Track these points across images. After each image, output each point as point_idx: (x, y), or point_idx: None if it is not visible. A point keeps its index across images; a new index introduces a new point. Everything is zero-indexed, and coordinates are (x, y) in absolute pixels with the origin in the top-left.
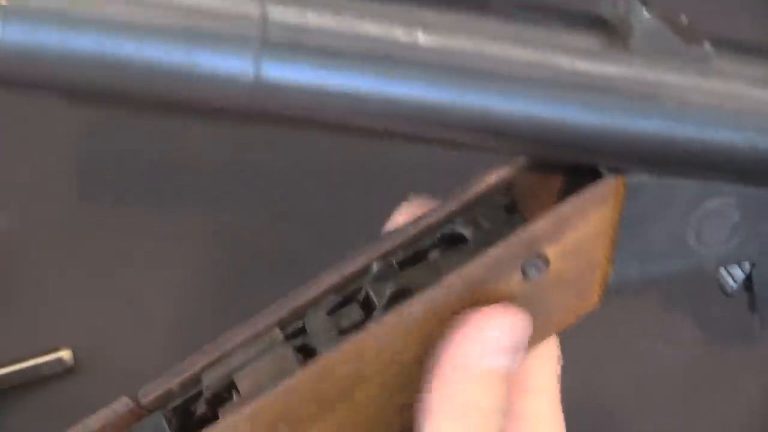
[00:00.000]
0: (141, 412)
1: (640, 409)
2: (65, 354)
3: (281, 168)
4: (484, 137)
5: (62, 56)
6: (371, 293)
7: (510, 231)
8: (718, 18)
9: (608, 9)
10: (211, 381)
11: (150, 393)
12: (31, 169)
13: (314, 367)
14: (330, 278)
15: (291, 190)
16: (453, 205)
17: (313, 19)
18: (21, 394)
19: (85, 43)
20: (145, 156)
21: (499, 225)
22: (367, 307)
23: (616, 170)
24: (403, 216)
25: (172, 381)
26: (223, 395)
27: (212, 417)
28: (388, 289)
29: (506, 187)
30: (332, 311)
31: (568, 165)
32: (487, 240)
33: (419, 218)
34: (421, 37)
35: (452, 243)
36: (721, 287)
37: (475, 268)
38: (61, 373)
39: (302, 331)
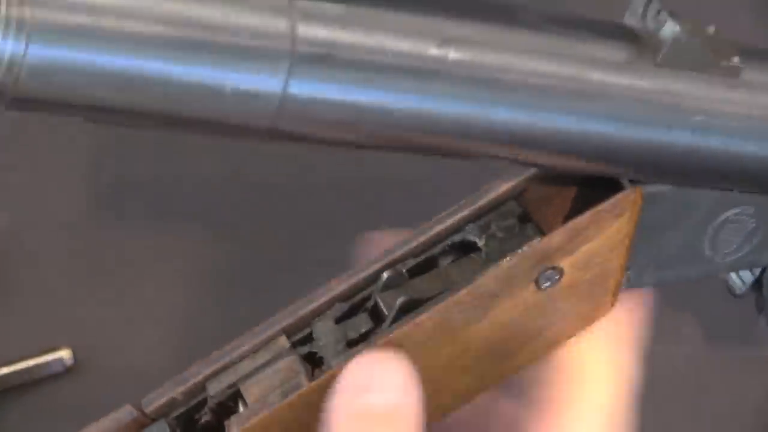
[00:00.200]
0: (144, 421)
1: (641, 408)
2: (65, 353)
3: (283, 172)
4: (513, 150)
5: (88, 75)
6: (380, 303)
7: (523, 241)
8: (718, 18)
9: (636, 21)
10: (216, 390)
11: (153, 401)
12: (32, 169)
13: (323, 381)
14: (338, 286)
15: (292, 193)
16: (464, 213)
17: (341, 35)
18: (21, 393)
19: (112, 61)
20: (146, 156)
21: (513, 234)
22: (376, 317)
23: (635, 181)
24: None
25: (175, 389)
26: (229, 404)
27: (216, 426)
28: (398, 300)
29: (518, 195)
30: (340, 320)
31: (585, 175)
32: (500, 249)
33: (429, 225)
34: (452, 52)
35: (463, 251)
36: (729, 289)
37: (487, 279)
38: (61, 372)
39: (309, 338)
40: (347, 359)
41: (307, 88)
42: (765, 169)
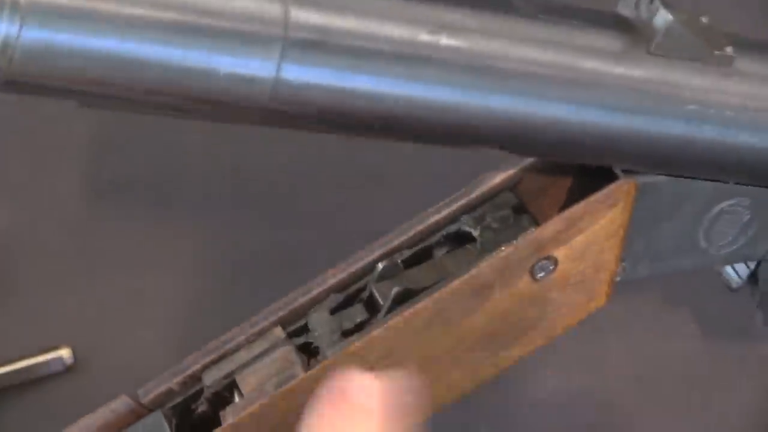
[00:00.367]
0: (141, 411)
1: (640, 406)
2: (65, 352)
3: (279, 168)
4: (504, 138)
5: (81, 56)
6: (375, 293)
7: (518, 232)
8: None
9: (629, 10)
10: (212, 380)
11: (150, 392)
12: (32, 168)
13: (318, 371)
14: (333, 277)
15: (290, 190)
16: (459, 203)
17: (334, 20)
18: (21, 392)
19: (106, 43)
20: (146, 155)
21: (508, 225)
22: (371, 307)
23: (630, 172)
24: None
25: (172, 380)
26: (224, 394)
27: (212, 416)
28: (393, 290)
29: (513, 186)
30: (335, 310)
31: (579, 166)
32: (495, 240)
33: (425, 216)
34: (444, 39)
35: (458, 241)
36: (726, 283)
37: (483, 269)
38: (61, 371)
39: (304, 329)
40: (342, 349)
41: (299, 72)
42: (759, 159)
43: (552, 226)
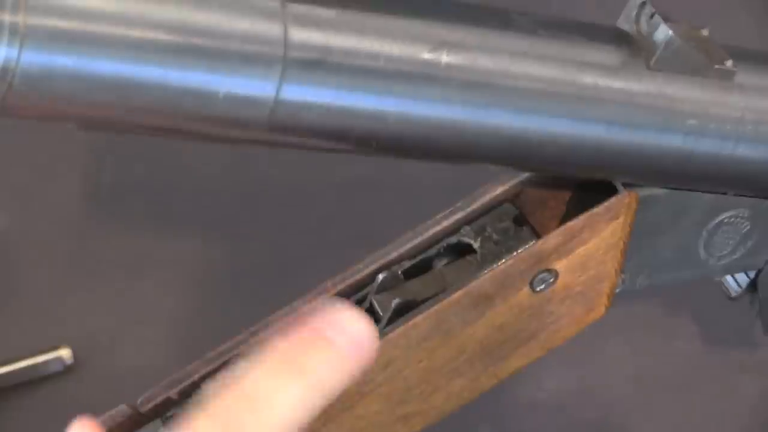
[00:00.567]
0: (140, 420)
1: (640, 406)
2: (65, 352)
3: (282, 174)
4: (506, 155)
5: (81, 80)
6: (376, 304)
7: (519, 244)
8: (718, 18)
9: (630, 25)
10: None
11: (149, 401)
12: (32, 169)
13: None
14: (333, 287)
15: (291, 195)
16: (460, 215)
17: (334, 40)
18: (21, 392)
19: (105, 66)
20: (146, 157)
21: (508, 237)
22: (371, 318)
23: (630, 184)
24: None
25: (171, 389)
26: None
27: None
28: (393, 302)
29: (514, 197)
30: None
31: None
32: (495, 252)
33: (425, 227)
34: (445, 56)
35: (459, 253)
36: (725, 291)
37: (483, 281)
38: (61, 371)
39: None
40: None
41: (299, 92)
42: (759, 172)
43: (553, 238)
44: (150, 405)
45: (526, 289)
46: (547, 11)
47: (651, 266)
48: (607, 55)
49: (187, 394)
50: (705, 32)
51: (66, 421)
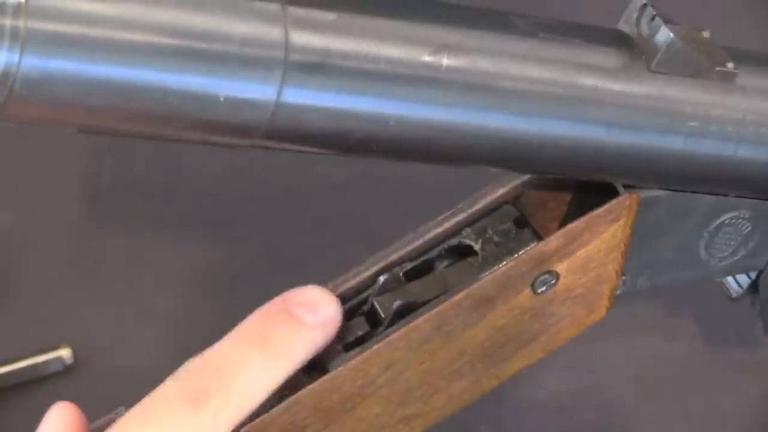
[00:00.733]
0: None
1: (640, 406)
2: (65, 352)
3: (283, 173)
4: (506, 157)
5: (84, 84)
6: (377, 306)
7: (520, 245)
8: (718, 18)
9: (630, 27)
10: None
11: None
12: (32, 169)
13: (320, 384)
14: (335, 289)
15: (292, 194)
16: (461, 217)
17: (335, 43)
18: (21, 392)
19: (106, 71)
20: (146, 157)
21: (509, 239)
22: (373, 320)
23: (631, 186)
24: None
25: None
26: None
27: None
28: (395, 304)
29: (515, 199)
30: None
31: (580, 180)
32: (496, 254)
33: (426, 229)
34: (446, 59)
35: (460, 255)
36: (726, 292)
37: (484, 284)
38: (61, 371)
39: None
40: (343, 363)
41: (300, 96)
42: (760, 173)
43: (554, 240)
44: None
45: (527, 291)
46: (548, 12)
47: (652, 267)
48: (608, 57)
49: None
50: (706, 34)
51: None
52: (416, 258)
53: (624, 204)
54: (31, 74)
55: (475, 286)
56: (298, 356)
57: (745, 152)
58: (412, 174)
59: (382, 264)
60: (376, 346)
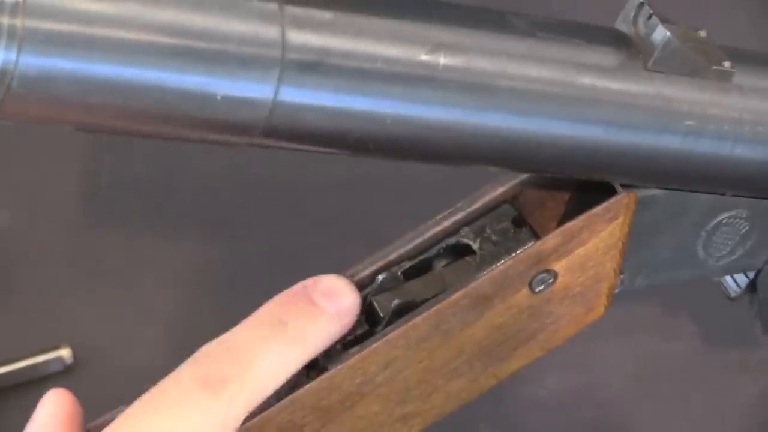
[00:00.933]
0: None
1: (639, 406)
2: (65, 352)
3: (282, 172)
4: (504, 156)
5: (81, 82)
6: (376, 305)
7: (518, 244)
8: (718, 18)
9: (627, 26)
10: None
11: None
12: (32, 169)
13: (319, 383)
14: None
15: (291, 194)
16: (459, 216)
17: (332, 42)
18: (21, 392)
19: (103, 69)
20: (146, 156)
21: (507, 238)
22: (371, 319)
23: (629, 186)
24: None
25: None
26: None
27: None
28: (393, 303)
29: (513, 198)
30: None
31: (578, 179)
32: (494, 253)
33: (425, 228)
34: (442, 58)
35: (458, 254)
36: (724, 291)
37: (482, 282)
38: (61, 371)
39: None
40: (342, 362)
41: (297, 94)
42: (757, 172)
43: (552, 239)
44: None
45: (525, 290)
46: (547, 10)
47: (650, 266)
48: (605, 56)
49: None
50: (703, 33)
51: None
52: (415, 257)
53: (622, 203)
54: (29, 72)
55: (473, 285)
56: (315, 344)
57: (742, 151)
58: (411, 173)
59: (380, 263)
60: (374, 345)
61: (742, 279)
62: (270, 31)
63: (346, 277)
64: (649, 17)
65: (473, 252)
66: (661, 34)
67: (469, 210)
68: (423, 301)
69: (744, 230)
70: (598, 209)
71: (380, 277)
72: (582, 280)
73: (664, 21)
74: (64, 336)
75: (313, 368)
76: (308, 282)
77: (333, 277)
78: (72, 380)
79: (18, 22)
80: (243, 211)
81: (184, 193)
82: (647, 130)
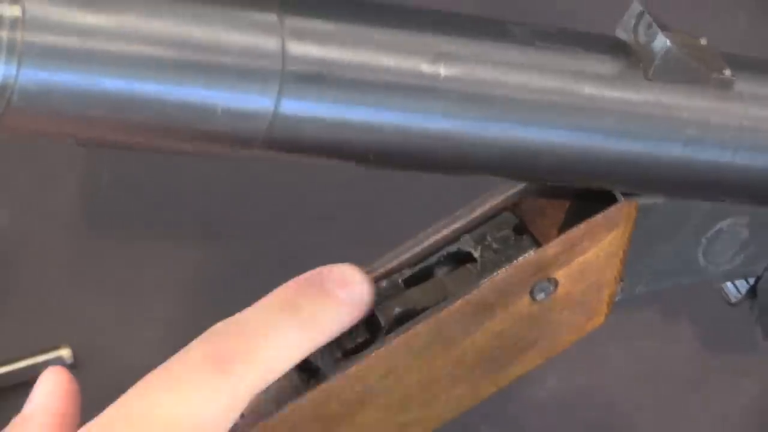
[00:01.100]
0: None
1: (640, 406)
2: (65, 352)
3: (282, 173)
4: (504, 166)
5: (81, 96)
6: (376, 313)
7: (519, 252)
8: (718, 18)
9: (627, 34)
10: None
11: None
12: (31, 169)
13: (319, 391)
14: None
15: (291, 195)
16: (460, 223)
17: (332, 53)
18: (21, 392)
19: (103, 82)
20: (146, 156)
21: (508, 246)
22: (372, 327)
23: (629, 194)
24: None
25: None
26: None
27: None
28: (394, 311)
29: (513, 205)
30: None
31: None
32: (495, 261)
33: (425, 235)
34: (443, 68)
35: (459, 261)
36: (725, 297)
37: (483, 291)
38: None
39: None
40: (343, 372)
41: (298, 107)
42: (758, 179)
43: (553, 247)
44: None
45: (526, 298)
46: (544, 21)
47: (650, 273)
48: (605, 65)
49: None
50: (703, 41)
51: None
52: (415, 264)
53: (623, 211)
54: (29, 87)
55: (473, 293)
56: (327, 330)
57: (742, 159)
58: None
59: (381, 271)
60: (375, 354)
61: (742, 285)
62: (270, 43)
63: None
64: (650, 26)
65: (474, 259)
66: (661, 42)
67: (470, 217)
68: (424, 309)
69: (744, 237)
70: (599, 217)
71: (381, 285)
72: (583, 288)
73: (664, 29)
74: (64, 336)
75: (314, 376)
76: (323, 269)
77: (348, 266)
78: None
79: (18, 36)
80: (243, 211)
81: (184, 193)
82: (648, 139)
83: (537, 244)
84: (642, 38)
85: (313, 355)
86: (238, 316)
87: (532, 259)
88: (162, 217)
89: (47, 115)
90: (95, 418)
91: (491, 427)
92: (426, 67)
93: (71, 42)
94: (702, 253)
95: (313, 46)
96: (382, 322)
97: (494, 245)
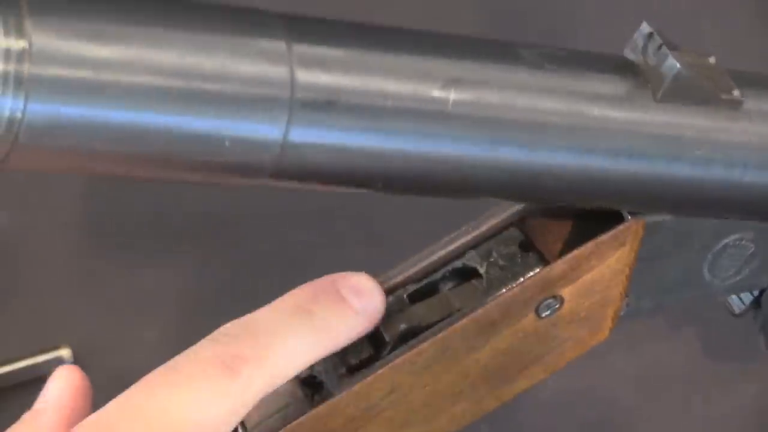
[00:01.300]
0: None
1: (640, 406)
2: (65, 352)
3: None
4: (514, 189)
5: (89, 128)
6: (381, 329)
7: (525, 269)
8: (718, 18)
9: (636, 55)
10: None
11: None
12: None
13: (324, 408)
14: None
15: (293, 203)
16: (465, 239)
17: (342, 80)
18: (21, 392)
19: (112, 114)
20: None
21: (514, 263)
22: (376, 343)
23: (637, 213)
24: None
25: None
26: None
27: None
28: (399, 327)
29: (520, 222)
30: None
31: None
32: (501, 277)
33: (431, 251)
34: (454, 93)
35: (464, 277)
36: (729, 308)
37: (488, 308)
38: None
39: None
40: (347, 388)
41: (307, 135)
42: (765, 196)
43: (559, 266)
44: None
45: (532, 315)
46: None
47: (655, 289)
48: (614, 86)
49: None
50: (712, 60)
51: None
52: (420, 280)
53: (630, 230)
54: (36, 120)
55: (480, 311)
56: (339, 339)
57: (751, 177)
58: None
59: (385, 286)
60: (380, 371)
61: (746, 295)
62: (278, 71)
63: None
64: (659, 47)
65: (480, 275)
66: (671, 65)
67: (476, 233)
68: (429, 326)
69: (750, 251)
70: (606, 236)
71: (386, 300)
72: (588, 304)
73: (673, 49)
74: (64, 336)
75: (318, 392)
76: (337, 276)
77: (362, 275)
78: None
79: (25, 68)
80: (244, 211)
81: (184, 193)
82: (657, 160)
83: (543, 261)
84: (651, 59)
85: (317, 370)
86: (249, 317)
87: (539, 278)
88: (162, 218)
89: (54, 150)
90: (97, 411)
91: (491, 428)
92: (437, 93)
93: (79, 74)
94: (707, 268)
95: (322, 73)
96: (387, 338)
97: (500, 262)
